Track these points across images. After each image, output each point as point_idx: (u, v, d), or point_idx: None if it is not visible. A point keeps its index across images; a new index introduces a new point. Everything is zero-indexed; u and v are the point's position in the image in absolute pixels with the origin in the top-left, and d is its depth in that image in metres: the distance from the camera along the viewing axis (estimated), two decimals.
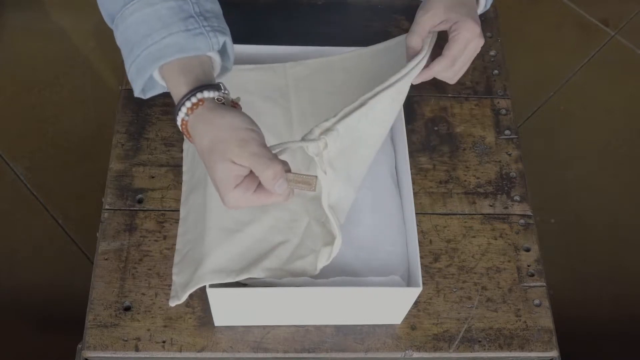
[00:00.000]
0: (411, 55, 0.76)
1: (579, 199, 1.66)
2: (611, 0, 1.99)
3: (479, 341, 0.80)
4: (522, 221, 0.88)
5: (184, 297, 0.71)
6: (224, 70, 0.70)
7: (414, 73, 0.74)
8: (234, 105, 0.63)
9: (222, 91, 0.62)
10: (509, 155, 0.93)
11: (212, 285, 0.70)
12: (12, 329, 1.42)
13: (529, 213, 0.89)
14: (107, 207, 0.85)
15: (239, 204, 0.60)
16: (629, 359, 1.47)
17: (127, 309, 0.79)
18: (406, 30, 1.01)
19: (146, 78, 0.63)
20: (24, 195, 1.58)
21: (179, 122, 0.62)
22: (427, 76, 0.76)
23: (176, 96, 0.62)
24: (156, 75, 0.65)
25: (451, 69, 0.75)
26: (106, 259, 0.82)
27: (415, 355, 0.80)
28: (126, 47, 0.64)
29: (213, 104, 0.60)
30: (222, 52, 0.68)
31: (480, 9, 0.81)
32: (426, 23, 0.74)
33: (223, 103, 0.61)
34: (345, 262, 0.78)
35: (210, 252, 0.72)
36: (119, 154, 0.89)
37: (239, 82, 0.81)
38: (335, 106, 0.81)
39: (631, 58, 1.89)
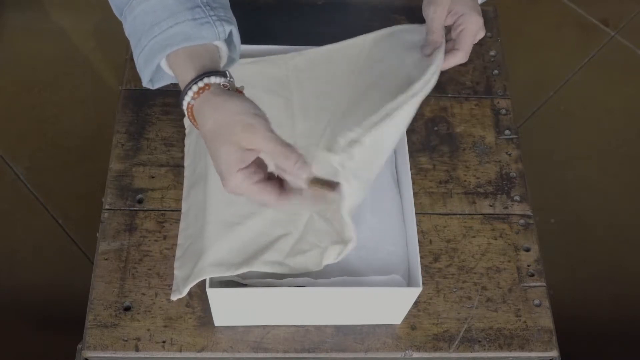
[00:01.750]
0: (429, 52, 0.75)
1: (579, 199, 1.66)
2: (611, 0, 1.99)
3: (479, 341, 0.80)
4: (522, 221, 0.88)
5: (185, 291, 0.71)
6: (231, 60, 0.71)
7: (435, 78, 0.74)
8: (238, 92, 0.64)
9: (228, 78, 0.63)
10: (509, 155, 0.93)
11: (212, 285, 0.70)
12: (12, 329, 1.42)
13: (529, 213, 0.89)
14: (107, 207, 0.85)
15: (239, 189, 0.60)
16: (629, 359, 1.47)
17: (127, 309, 0.79)
18: None
19: (153, 67, 0.65)
20: (24, 195, 1.58)
21: (184, 106, 0.62)
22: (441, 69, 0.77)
23: (183, 81, 0.62)
24: (164, 65, 0.66)
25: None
26: (106, 259, 0.82)
27: (415, 355, 0.80)
28: (134, 37, 0.65)
29: (219, 89, 0.61)
30: (229, 42, 0.68)
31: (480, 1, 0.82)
32: (440, 18, 0.75)
33: (228, 89, 0.62)
34: (346, 262, 0.77)
35: (210, 246, 0.72)
36: (119, 154, 0.89)
37: (239, 75, 0.81)
38: (337, 95, 0.80)
39: (631, 58, 1.89)
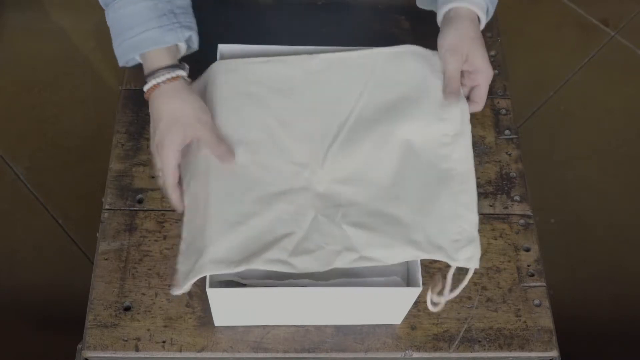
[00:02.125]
0: (453, 100, 0.80)
1: (579, 199, 1.66)
2: (611, 0, 1.99)
3: (479, 341, 0.80)
4: (522, 221, 0.88)
5: (186, 286, 0.71)
6: (190, 50, 0.84)
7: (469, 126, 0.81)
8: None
9: (186, 70, 0.79)
10: (509, 155, 0.93)
11: (212, 285, 0.70)
12: (12, 329, 1.42)
13: (529, 213, 0.89)
14: (107, 207, 0.86)
15: (166, 159, 0.75)
16: (629, 359, 1.47)
17: (127, 309, 0.80)
18: (406, 30, 1.02)
19: (128, 59, 0.81)
20: (24, 195, 1.58)
21: (152, 83, 0.77)
22: None
23: (156, 64, 0.78)
24: (138, 58, 0.81)
25: None
26: (106, 259, 0.82)
27: (415, 355, 0.80)
28: (114, 30, 0.80)
29: (185, 82, 0.78)
30: (188, 39, 0.82)
31: (482, 26, 0.85)
32: (459, 67, 0.81)
33: (186, 82, 0.79)
34: None
35: (211, 243, 0.72)
36: (119, 154, 0.89)
37: (251, 73, 0.82)
38: (349, 102, 0.81)
39: (631, 58, 1.89)
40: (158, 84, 0.77)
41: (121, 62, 0.82)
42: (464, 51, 0.81)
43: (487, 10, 0.85)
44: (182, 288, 0.72)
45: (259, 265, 0.70)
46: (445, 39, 0.82)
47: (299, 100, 0.81)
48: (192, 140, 0.78)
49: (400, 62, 0.84)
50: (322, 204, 0.75)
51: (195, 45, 0.84)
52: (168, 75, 0.77)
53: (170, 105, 0.76)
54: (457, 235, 0.74)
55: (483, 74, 0.81)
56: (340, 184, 0.76)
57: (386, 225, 0.73)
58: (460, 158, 0.78)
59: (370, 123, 0.79)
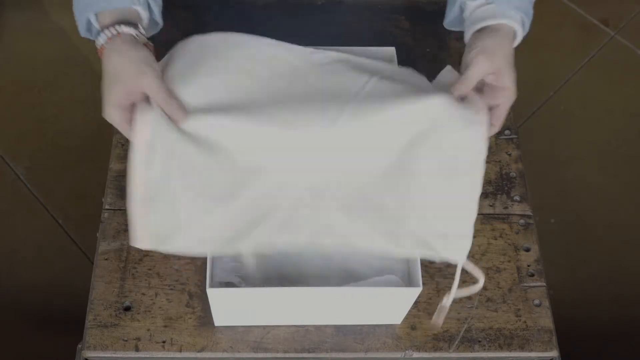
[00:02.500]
0: (458, 92, 0.74)
1: (579, 199, 1.66)
2: (611, 0, 1.99)
3: (479, 341, 0.80)
4: (522, 221, 0.88)
5: (148, 248, 0.70)
6: (154, 23, 0.80)
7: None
8: (146, 45, 0.75)
9: (139, 31, 0.74)
10: (509, 155, 0.93)
11: (212, 285, 0.70)
12: (12, 329, 1.42)
13: (529, 213, 0.89)
14: (107, 207, 0.86)
15: (109, 118, 0.72)
16: (629, 359, 1.47)
17: (127, 309, 0.80)
18: (406, 30, 1.02)
19: (84, 20, 0.75)
20: (24, 195, 1.58)
21: (98, 46, 0.74)
22: None
23: (101, 26, 0.74)
24: (93, 20, 0.76)
25: None
26: (106, 259, 0.82)
27: (415, 355, 0.80)
28: None
29: (129, 38, 0.73)
30: (151, 10, 0.78)
31: (518, 41, 0.81)
32: (483, 72, 0.74)
33: (137, 41, 0.74)
34: (345, 263, 0.78)
35: (197, 220, 0.70)
36: (119, 154, 0.89)
37: (257, 52, 0.80)
38: (353, 87, 0.78)
39: (631, 58, 1.88)
40: (103, 46, 0.73)
41: (81, 31, 0.78)
42: (497, 62, 0.74)
43: (523, 24, 0.78)
44: (145, 246, 0.70)
45: (247, 246, 0.70)
46: (481, 43, 0.75)
47: (302, 85, 0.78)
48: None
49: (407, 78, 0.80)
50: (312, 184, 0.74)
51: (157, 18, 0.79)
52: (109, 33, 0.73)
53: (111, 62, 0.72)
54: (445, 229, 0.71)
55: (507, 93, 0.75)
56: (333, 168, 0.74)
57: (373, 213, 0.72)
58: (469, 147, 0.73)
59: (374, 109, 0.75)
